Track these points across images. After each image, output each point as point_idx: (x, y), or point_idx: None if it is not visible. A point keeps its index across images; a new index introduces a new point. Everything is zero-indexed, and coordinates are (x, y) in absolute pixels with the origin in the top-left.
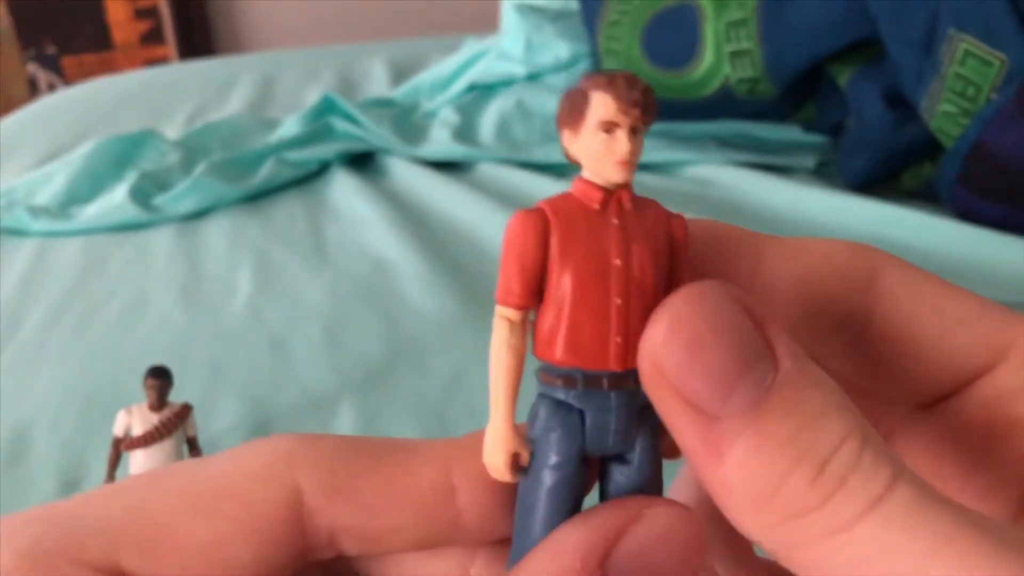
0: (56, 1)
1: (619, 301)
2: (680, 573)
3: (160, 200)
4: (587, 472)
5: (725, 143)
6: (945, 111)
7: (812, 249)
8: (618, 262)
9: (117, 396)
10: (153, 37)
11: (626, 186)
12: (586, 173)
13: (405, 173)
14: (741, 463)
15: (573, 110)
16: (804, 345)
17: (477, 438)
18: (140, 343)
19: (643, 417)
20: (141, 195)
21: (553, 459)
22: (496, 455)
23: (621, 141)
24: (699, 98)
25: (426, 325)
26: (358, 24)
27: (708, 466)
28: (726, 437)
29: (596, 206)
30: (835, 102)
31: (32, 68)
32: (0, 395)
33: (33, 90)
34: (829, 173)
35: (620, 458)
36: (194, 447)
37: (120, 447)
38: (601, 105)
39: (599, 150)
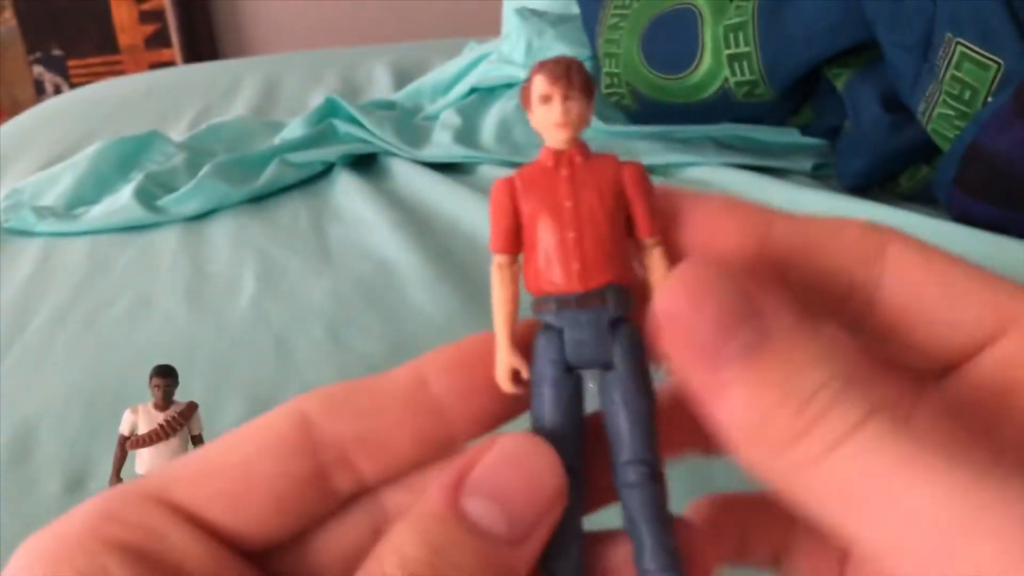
0: (62, 4)
1: (573, 235)
2: (526, 493)
3: (165, 201)
4: (577, 381)
5: (723, 145)
6: (942, 114)
7: (822, 223)
8: (568, 204)
9: (122, 395)
10: (158, 40)
11: (574, 144)
12: (545, 141)
13: (407, 175)
14: (736, 403)
15: (524, 92)
16: (812, 311)
17: (443, 346)
18: (145, 343)
19: (615, 330)
20: (146, 196)
21: (542, 368)
22: (500, 370)
23: (555, 108)
24: (698, 101)
25: (428, 325)
26: (361, 28)
27: (710, 408)
28: (724, 381)
29: (550, 164)
30: (833, 105)
31: (38, 70)
32: (6, 394)
33: (39, 92)
34: (827, 175)
35: (607, 368)
36: (199, 445)
37: (126, 446)
38: (537, 83)
39: (543, 119)
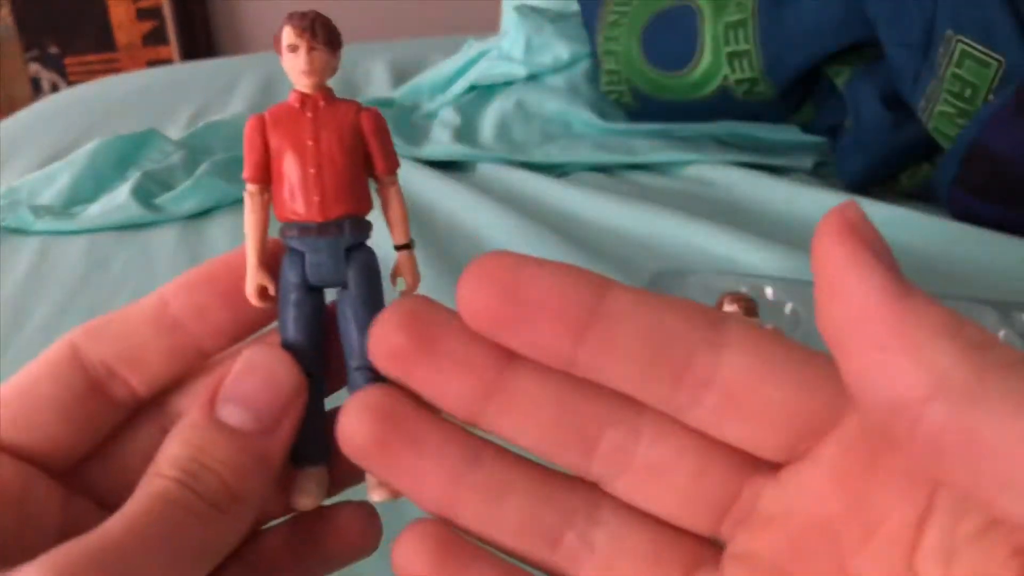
0: (59, 2)
1: (313, 171)
2: (267, 393)
3: (163, 199)
4: (318, 298)
5: (724, 143)
6: (943, 112)
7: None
8: (310, 143)
9: None
10: (155, 38)
11: (319, 90)
12: (293, 84)
13: (406, 173)
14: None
15: (276, 40)
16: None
17: (184, 274)
18: None
19: (351, 255)
20: (144, 195)
21: (287, 288)
22: (249, 286)
23: (300, 57)
24: (698, 99)
25: None
26: (359, 25)
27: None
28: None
29: (297, 106)
30: (833, 103)
31: (35, 68)
32: None
33: (36, 90)
34: (827, 173)
35: (343, 288)
36: None
37: None
38: (285, 34)
39: (289, 66)
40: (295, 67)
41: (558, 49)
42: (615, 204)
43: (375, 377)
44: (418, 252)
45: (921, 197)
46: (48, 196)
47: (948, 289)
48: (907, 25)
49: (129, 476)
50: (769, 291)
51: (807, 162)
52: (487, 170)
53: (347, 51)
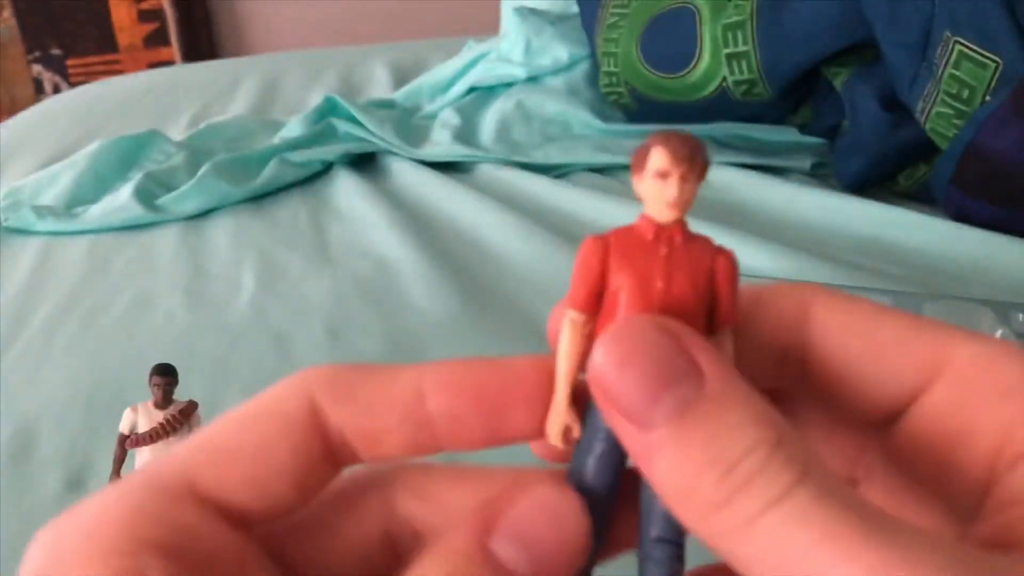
0: (61, 3)
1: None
2: (553, 543)
3: (164, 200)
4: (623, 454)
5: (722, 144)
6: (940, 113)
7: (745, 293)
8: (660, 284)
9: (122, 394)
10: (157, 39)
11: (678, 223)
12: (646, 210)
13: (406, 174)
14: (667, 467)
15: (638, 159)
16: (752, 378)
17: (447, 361)
18: (145, 342)
19: None
20: (145, 195)
21: (592, 436)
22: (552, 425)
23: (671, 187)
24: (696, 100)
25: (427, 324)
26: (360, 27)
27: (646, 470)
28: (655, 444)
29: (650, 237)
30: (831, 104)
31: (37, 70)
32: (6, 393)
33: (38, 91)
34: (825, 174)
35: None
36: None
37: (126, 444)
38: (657, 157)
39: (655, 194)
40: (660, 196)
41: (557, 51)
42: (615, 205)
43: (676, 554)
44: (419, 254)
45: (918, 198)
46: (50, 196)
47: (945, 289)
48: (905, 26)
49: (333, 555)
50: None
51: (805, 163)
52: (487, 171)
53: (349, 53)
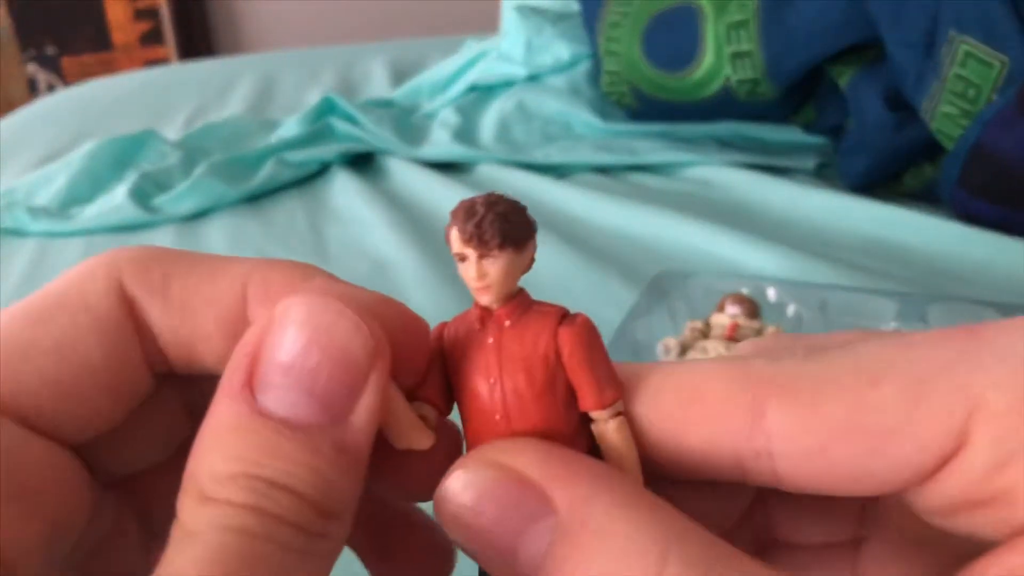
0: (56, 2)
1: (497, 416)
2: (339, 366)
3: (160, 200)
4: None
5: (725, 144)
6: (945, 112)
7: (680, 389)
8: (492, 381)
9: None
10: (153, 38)
11: (506, 303)
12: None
13: (405, 174)
14: None
15: (447, 241)
16: (718, 477)
17: (280, 262)
18: None
19: None
20: (141, 195)
21: None
22: (399, 439)
23: (469, 271)
24: (700, 99)
25: None
26: (358, 25)
27: None
28: None
29: (478, 326)
30: (835, 103)
31: (32, 68)
32: None
33: (33, 91)
34: (829, 174)
35: None
36: None
37: None
38: (452, 239)
39: (464, 277)
40: (467, 279)
41: (558, 50)
42: (616, 205)
43: None
44: (417, 255)
45: (924, 198)
46: (45, 197)
47: (950, 290)
48: (909, 25)
49: (137, 450)
50: (771, 292)
51: (809, 163)
52: (487, 171)
53: (347, 51)
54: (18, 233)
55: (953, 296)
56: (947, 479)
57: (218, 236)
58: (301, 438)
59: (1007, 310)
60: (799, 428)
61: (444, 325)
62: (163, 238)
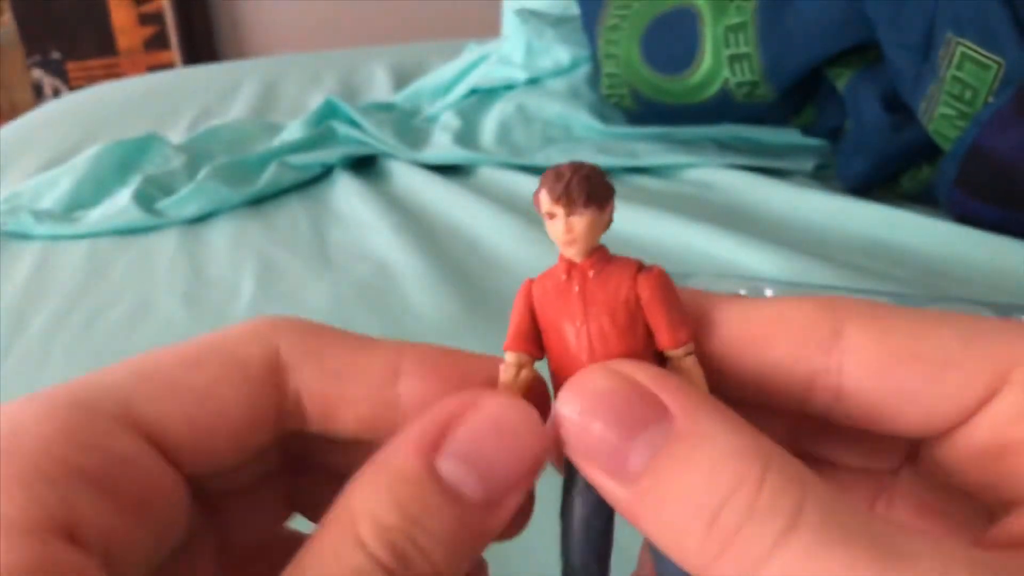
0: (61, 6)
1: (584, 357)
2: (513, 463)
3: (164, 204)
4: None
5: (724, 146)
6: (943, 114)
7: (765, 311)
8: (578, 324)
9: None
10: (157, 42)
11: (589, 257)
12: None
13: (407, 177)
14: (652, 522)
15: (535, 204)
16: (775, 406)
17: (426, 345)
18: (144, 346)
19: None
20: (145, 199)
21: (582, 493)
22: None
23: (557, 227)
24: (698, 102)
25: (428, 328)
26: (360, 29)
27: (634, 525)
28: (636, 499)
29: (564, 277)
30: (834, 105)
31: (37, 73)
32: (5, 397)
33: (38, 95)
34: (828, 176)
35: None
36: None
37: None
38: (542, 199)
39: (552, 234)
40: (555, 236)
41: (558, 53)
42: (617, 207)
43: None
44: (419, 257)
45: (922, 199)
46: (49, 201)
47: (948, 291)
48: (907, 27)
49: (231, 481)
50: (769, 293)
51: (808, 165)
52: (488, 174)
53: (349, 55)
54: (22, 236)
55: (951, 297)
56: (980, 422)
57: (221, 239)
58: (458, 510)
59: (1005, 310)
60: (871, 348)
61: (531, 281)
62: (167, 241)
